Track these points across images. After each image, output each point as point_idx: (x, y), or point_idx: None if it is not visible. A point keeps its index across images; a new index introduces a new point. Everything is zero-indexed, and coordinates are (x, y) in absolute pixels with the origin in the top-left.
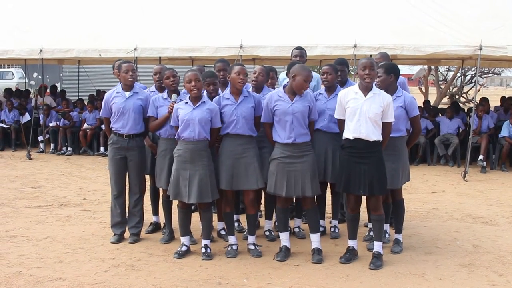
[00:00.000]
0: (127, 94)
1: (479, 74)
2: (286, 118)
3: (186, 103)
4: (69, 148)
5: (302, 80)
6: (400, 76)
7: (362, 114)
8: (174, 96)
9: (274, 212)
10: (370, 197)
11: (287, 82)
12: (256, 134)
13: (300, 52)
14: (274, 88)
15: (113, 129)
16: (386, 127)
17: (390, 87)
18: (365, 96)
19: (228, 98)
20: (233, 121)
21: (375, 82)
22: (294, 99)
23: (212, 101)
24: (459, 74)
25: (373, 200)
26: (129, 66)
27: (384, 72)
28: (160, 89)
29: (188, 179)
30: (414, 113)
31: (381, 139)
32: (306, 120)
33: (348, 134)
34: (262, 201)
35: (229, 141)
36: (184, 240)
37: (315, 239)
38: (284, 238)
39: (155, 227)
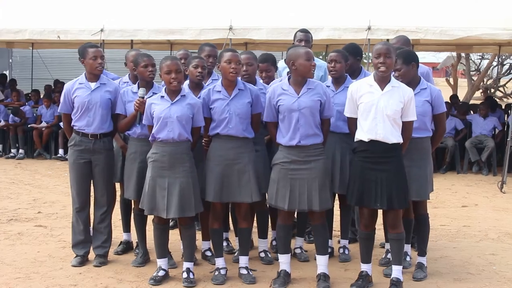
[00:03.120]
0: (93, 85)
1: None
2: (291, 115)
3: (162, 97)
4: (21, 151)
5: (304, 61)
6: (423, 66)
7: (378, 111)
8: (141, 90)
9: (270, 229)
10: (388, 212)
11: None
12: (252, 136)
13: (306, 36)
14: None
15: (75, 127)
16: (407, 128)
17: (412, 79)
18: (382, 89)
19: (220, 91)
20: (224, 119)
21: (393, 74)
22: (301, 91)
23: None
24: (495, 63)
25: (391, 215)
26: (97, 51)
27: (403, 62)
28: (135, 79)
29: (167, 189)
30: (440, 110)
31: (401, 141)
32: (316, 118)
33: (361, 135)
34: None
35: (219, 144)
36: (161, 263)
37: (322, 262)
38: (284, 261)
39: (126, 247)
